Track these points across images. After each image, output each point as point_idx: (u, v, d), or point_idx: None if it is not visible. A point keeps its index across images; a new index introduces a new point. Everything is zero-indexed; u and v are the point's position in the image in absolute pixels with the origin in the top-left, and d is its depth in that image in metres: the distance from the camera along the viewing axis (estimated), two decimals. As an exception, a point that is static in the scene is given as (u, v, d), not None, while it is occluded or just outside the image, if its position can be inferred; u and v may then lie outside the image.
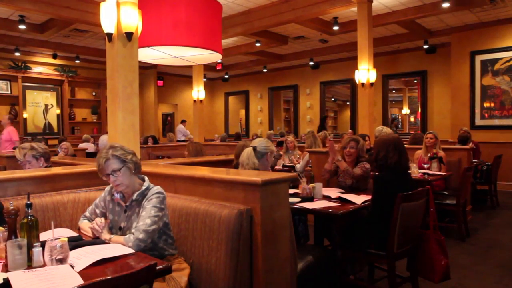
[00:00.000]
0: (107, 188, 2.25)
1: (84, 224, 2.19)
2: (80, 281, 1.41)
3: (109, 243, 1.92)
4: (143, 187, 2.11)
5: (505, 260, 3.80)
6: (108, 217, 2.18)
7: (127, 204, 2.12)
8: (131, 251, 1.77)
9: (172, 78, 13.49)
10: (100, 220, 2.05)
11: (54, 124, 10.84)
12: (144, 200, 2.06)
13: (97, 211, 2.23)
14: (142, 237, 1.90)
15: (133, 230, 1.94)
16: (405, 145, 2.93)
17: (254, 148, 2.85)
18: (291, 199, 2.95)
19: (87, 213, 2.27)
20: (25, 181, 2.51)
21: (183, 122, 11.86)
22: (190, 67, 8.72)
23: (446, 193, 4.80)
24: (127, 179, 2.06)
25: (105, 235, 1.99)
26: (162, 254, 2.08)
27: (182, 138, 11.23)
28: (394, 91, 12.44)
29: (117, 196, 2.12)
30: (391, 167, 2.76)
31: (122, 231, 2.09)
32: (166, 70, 12.61)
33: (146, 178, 2.17)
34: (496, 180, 6.27)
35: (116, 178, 2.03)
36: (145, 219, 1.96)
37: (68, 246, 1.60)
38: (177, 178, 2.61)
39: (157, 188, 2.11)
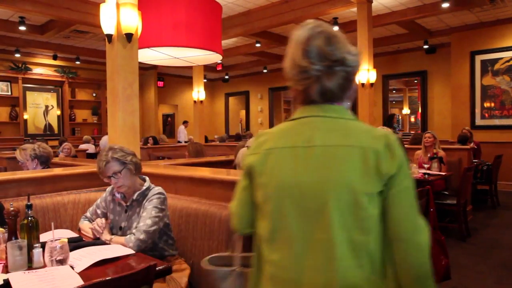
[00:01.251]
0: (108, 188, 2.25)
1: (85, 225, 2.19)
2: (80, 282, 1.41)
3: (109, 243, 1.92)
4: (144, 187, 2.12)
5: (505, 260, 3.79)
6: (109, 217, 2.19)
7: (128, 204, 2.12)
8: (131, 251, 1.78)
9: (172, 79, 13.50)
10: (101, 221, 2.06)
11: (55, 125, 10.85)
12: (145, 200, 2.07)
13: (98, 211, 2.23)
14: (143, 238, 1.91)
15: (133, 231, 1.95)
16: (406, 145, 2.94)
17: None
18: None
19: (87, 214, 2.27)
20: (25, 182, 2.51)
21: (184, 123, 11.85)
22: (190, 68, 8.72)
23: (446, 193, 4.80)
24: (128, 180, 2.06)
25: (106, 236, 1.99)
26: (162, 255, 2.08)
27: (183, 139, 11.24)
28: (394, 91, 12.43)
29: (118, 196, 2.13)
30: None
31: (123, 231, 2.10)
32: (166, 71, 12.61)
33: (147, 178, 2.18)
34: (496, 180, 6.27)
35: (117, 180, 2.03)
36: (146, 219, 1.96)
37: (68, 247, 1.60)
38: (178, 178, 2.61)
39: (158, 189, 2.11)
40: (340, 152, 0.94)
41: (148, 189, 2.12)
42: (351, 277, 0.92)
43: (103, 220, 2.08)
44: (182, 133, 11.64)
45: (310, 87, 0.99)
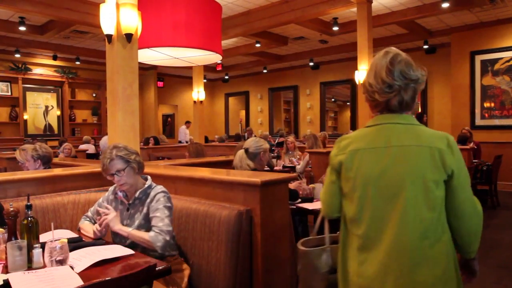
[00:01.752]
0: (111, 188, 2.26)
1: (85, 225, 2.20)
2: (80, 282, 1.41)
3: (127, 236, 1.95)
4: (146, 186, 2.13)
5: (505, 261, 3.79)
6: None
7: (130, 202, 2.13)
8: (131, 252, 1.78)
9: (172, 79, 13.50)
10: (105, 209, 2.07)
11: (55, 125, 10.84)
12: (149, 199, 2.07)
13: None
14: (169, 239, 1.96)
15: (157, 230, 1.95)
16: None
17: (246, 150, 2.85)
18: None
19: (89, 213, 2.28)
20: (25, 182, 2.51)
21: (187, 123, 11.79)
22: (190, 68, 8.72)
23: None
24: (131, 179, 2.08)
25: (121, 226, 2.02)
26: (162, 255, 2.08)
27: (184, 139, 11.21)
28: (394, 92, 12.36)
29: (120, 194, 2.14)
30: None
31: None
32: (166, 71, 12.62)
33: (148, 177, 2.19)
34: (496, 180, 6.26)
35: (120, 178, 2.05)
36: (164, 219, 1.99)
37: (68, 247, 1.60)
38: (177, 179, 2.61)
39: (161, 187, 2.12)
40: (413, 150, 1.27)
41: (150, 187, 2.13)
42: (419, 244, 1.24)
43: (108, 206, 2.09)
44: (183, 134, 11.60)
45: (392, 99, 1.33)
